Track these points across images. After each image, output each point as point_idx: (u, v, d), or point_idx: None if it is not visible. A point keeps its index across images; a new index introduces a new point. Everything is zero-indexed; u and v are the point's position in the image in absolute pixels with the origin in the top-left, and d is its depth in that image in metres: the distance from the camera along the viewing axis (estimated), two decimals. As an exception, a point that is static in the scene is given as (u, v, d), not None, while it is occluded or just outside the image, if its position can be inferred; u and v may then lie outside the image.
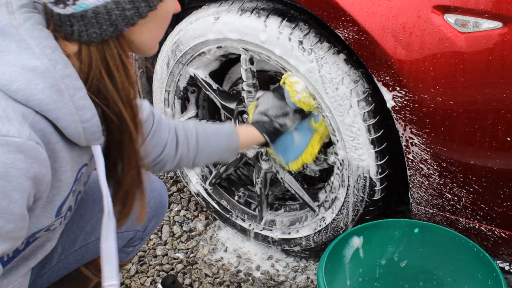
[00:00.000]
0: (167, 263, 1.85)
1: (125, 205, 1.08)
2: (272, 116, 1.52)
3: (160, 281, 1.72)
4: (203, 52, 1.65)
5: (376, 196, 1.53)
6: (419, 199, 1.44)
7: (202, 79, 1.73)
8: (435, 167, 1.35)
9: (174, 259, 1.87)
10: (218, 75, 1.82)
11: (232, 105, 1.72)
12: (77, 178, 1.01)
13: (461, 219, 1.41)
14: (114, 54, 0.90)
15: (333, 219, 1.64)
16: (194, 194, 1.99)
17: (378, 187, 1.51)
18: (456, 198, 1.37)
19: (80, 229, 1.31)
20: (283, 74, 1.63)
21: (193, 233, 1.97)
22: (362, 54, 1.32)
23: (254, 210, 1.87)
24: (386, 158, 1.47)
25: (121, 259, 1.45)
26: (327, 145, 1.64)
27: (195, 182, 1.95)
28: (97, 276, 1.45)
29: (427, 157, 1.34)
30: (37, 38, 0.87)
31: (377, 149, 1.45)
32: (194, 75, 1.73)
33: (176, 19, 1.90)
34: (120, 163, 1.03)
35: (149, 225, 1.42)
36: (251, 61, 1.59)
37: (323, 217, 1.67)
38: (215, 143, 1.41)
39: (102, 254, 1.06)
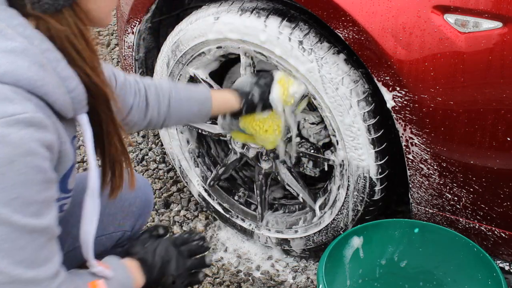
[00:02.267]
0: (167, 263, 1.85)
1: (115, 174, 1.09)
2: (253, 91, 1.48)
3: (160, 281, 1.72)
4: (203, 52, 1.65)
5: (376, 196, 1.53)
6: (419, 199, 1.44)
7: (202, 79, 1.73)
8: (435, 167, 1.35)
9: (174, 259, 1.87)
10: (218, 75, 1.82)
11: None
12: (74, 149, 1.02)
13: (461, 219, 1.41)
14: (70, 23, 0.92)
15: (333, 219, 1.64)
16: (197, 197, 1.99)
17: (378, 187, 1.51)
18: (456, 198, 1.37)
19: (67, 234, 1.31)
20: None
21: (193, 233, 1.97)
22: (362, 54, 1.32)
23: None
24: (386, 158, 1.47)
25: None
26: (327, 145, 1.65)
27: (196, 184, 1.95)
28: None
29: (427, 157, 1.34)
30: (5, 19, 0.87)
31: (377, 149, 1.45)
32: (194, 75, 1.73)
33: (176, 19, 1.90)
34: (101, 133, 1.04)
35: (136, 224, 1.42)
36: (252, 61, 1.59)
37: (322, 217, 1.67)
38: (187, 108, 1.39)
39: (81, 235, 1.07)
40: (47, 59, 0.90)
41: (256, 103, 1.47)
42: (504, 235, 1.37)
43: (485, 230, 1.39)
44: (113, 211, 1.36)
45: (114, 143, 1.06)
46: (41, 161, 0.87)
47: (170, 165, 2.28)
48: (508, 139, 1.21)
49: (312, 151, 1.62)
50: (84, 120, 1.00)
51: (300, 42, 1.43)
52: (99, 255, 1.24)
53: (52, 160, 0.92)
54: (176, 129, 1.89)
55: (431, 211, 1.45)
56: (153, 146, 2.41)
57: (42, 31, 0.91)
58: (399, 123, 1.33)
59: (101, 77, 0.99)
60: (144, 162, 2.32)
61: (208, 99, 1.41)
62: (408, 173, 1.41)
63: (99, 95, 1.00)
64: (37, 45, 0.89)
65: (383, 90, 1.32)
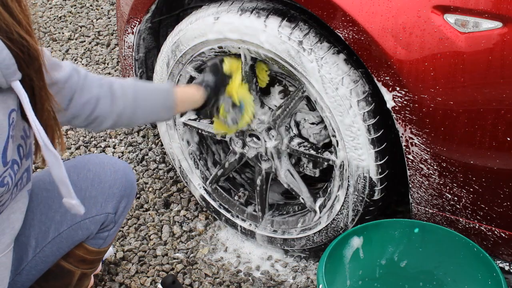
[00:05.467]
0: (167, 263, 1.85)
1: (52, 137, 1.11)
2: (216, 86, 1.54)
3: (160, 281, 1.72)
4: (203, 52, 1.65)
5: (376, 196, 1.53)
6: (419, 199, 1.44)
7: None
8: (435, 167, 1.35)
9: (174, 259, 1.87)
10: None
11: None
12: (10, 123, 1.02)
13: (461, 219, 1.41)
14: None
15: (333, 219, 1.64)
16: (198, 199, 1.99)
17: (378, 187, 1.51)
18: (456, 198, 1.37)
19: (50, 220, 1.33)
20: (283, 74, 1.63)
21: (193, 233, 1.97)
22: (362, 54, 1.32)
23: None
24: (386, 158, 1.47)
25: (98, 245, 1.46)
26: (326, 145, 1.65)
27: (197, 185, 1.95)
28: (79, 267, 1.46)
29: (427, 157, 1.34)
30: None
31: (377, 149, 1.45)
32: (194, 75, 1.73)
33: (176, 19, 1.90)
34: (33, 99, 1.05)
35: (120, 207, 1.43)
36: (252, 61, 1.59)
37: (322, 217, 1.67)
38: (153, 99, 1.40)
39: (55, 180, 1.10)
40: None
41: (217, 92, 1.53)
42: (504, 235, 1.37)
43: (485, 230, 1.39)
44: (94, 193, 1.37)
45: (46, 108, 1.07)
46: None
47: (170, 165, 2.28)
48: (508, 139, 1.21)
49: (312, 151, 1.62)
50: (18, 87, 1.00)
51: (300, 42, 1.43)
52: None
53: None
54: (176, 130, 1.89)
55: (431, 211, 1.45)
56: (153, 146, 2.41)
57: None
58: (399, 123, 1.33)
59: (35, 40, 0.99)
60: (144, 162, 2.32)
61: (170, 90, 1.43)
62: (408, 173, 1.41)
63: (34, 58, 1.00)
64: None
65: (383, 90, 1.32)
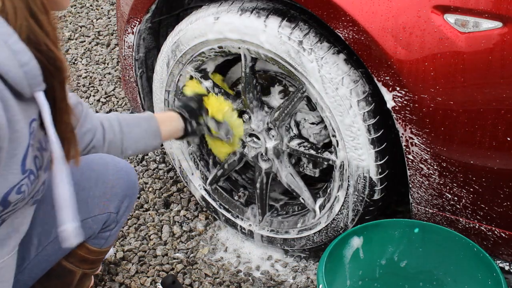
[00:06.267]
0: (167, 263, 1.85)
1: (63, 149, 1.11)
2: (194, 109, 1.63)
3: (160, 281, 1.72)
4: (203, 52, 1.65)
5: (376, 196, 1.53)
6: (419, 199, 1.44)
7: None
8: (435, 167, 1.35)
9: (174, 259, 1.87)
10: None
11: (232, 105, 1.72)
12: (31, 132, 1.03)
13: (461, 219, 1.41)
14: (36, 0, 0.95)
15: (333, 219, 1.64)
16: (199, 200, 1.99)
17: (378, 187, 1.51)
18: (456, 198, 1.37)
19: (53, 218, 1.33)
20: (283, 74, 1.63)
21: (193, 233, 1.97)
22: (362, 54, 1.32)
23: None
24: (386, 158, 1.47)
25: (100, 245, 1.46)
26: (326, 145, 1.65)
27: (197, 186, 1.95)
28: (81, 267, 1.47)
29: (427, 157, 1.34)
30: None
31: (377, 149, 1.45)
32: (194, 75, 1.73)
33: (176, 19, 1.90)
34: (53, 110, 1.06)
35: (122, 206, 1.43)
36: (252, 61, 1.59)
37: (322, 217, 1.67)
38: (137, 127, 1.48)
39: (56, 200, 1.08)
40: None
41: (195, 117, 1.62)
42: (504, 235, 1.37)
43: (485, 230, 1.39)
44: (97, 193, 1.38)
45: (65, 120, 1.09)
46: None
47: (170, 165, 2.28)
48: (508, 139, 1.21)
49: (312, 151, 1.62)
50: (41, 98, 1.01)
51: (300, 42, 1.43)
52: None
53: (0, 136, 0.92)
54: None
55: (431, 211, 1.45)
56: (153, 146, 2.41)
57: (7, 9, 0.92)
58: (399, 123, 1.33)
59: (61, 52, 1.01)
60: (144, 162, 2.32)
61: (152, 117, 1.53)
62: (408, 173, 1.41)
63: (58, 70, 1.01)
64: None
65: (383, 90, 1.32)
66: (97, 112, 2.65)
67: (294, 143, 1.64)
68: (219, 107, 1.67)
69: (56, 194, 1.08)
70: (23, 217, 1.20)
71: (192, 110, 1.62)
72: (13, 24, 0.93)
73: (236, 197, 1.91)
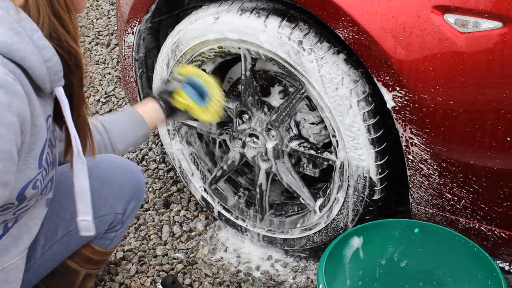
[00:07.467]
0: (167, 263, 1.85)
1: (80, 142, 1.14)
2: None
3: (160, 281, 1.72)
4: (203, 52, 1.65)
5: (376, 196, 1.53)
6: (419, 199, 1.44)
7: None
8: (435, 167, 1.35)
9: (174, 259, 1.87)
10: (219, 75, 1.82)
11: (232, 105, 1.72)
12: (48, 128, 1.05)
13: (461, 219, 1.41)
14: None
15: (333, 219, 1.64)
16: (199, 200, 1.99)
17: (378, 187, 1.51)
18: (456, 198, 1.37)
19: (60, 218, 1.34)
20: (283, 74, 1.63)
21: (193, 233, 1.97)
22: (362, 54, 1.32)
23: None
24: (386, 158, 1.47)
25: (105, 246, 1.46)
26: (326, 145, 1.65)
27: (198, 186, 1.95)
28: (85, 267, 1.47)
29: (427, 157, 1.34)
30: None
31: (377, 149, 1.45)
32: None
33: (176, 19, 1.90)
34: (71, 104, 1.08)
35: (128, 208, 1.44)
36: (252, 61, 1.59)
37: (322, 217, 1.67)
38: (119, 121, 1.46)
39: (76, 192, 1.12)
40: (22, 27, 0.93)
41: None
42: (504, 235, 1.37)
43: (485, 230, 1.39)
44: (104, 193, 1.38)
45: (81, 115, 1.12)
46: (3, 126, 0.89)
47: (170, 165, 2.28)
48: (508, 139, 1.21)
49: (312, 151, 1.62)
50: (60, 93, 1.04)
51: (300, 42, 1.43)
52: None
53: (23, 131, 0.94)
54: (176, 130, 1.89)
55: (431, 211, 1.45)
56: (153, 146, 2.41)
57: (30, 6, 0.95)
58: (399, 123, 1.33)
59: (81, 49, 1.04)
60: (144, 162, 2.32)
61: (130, 108, 1.50)
62: (408, 173, 1.41)
63: (78, 67, 1.04)
64: (13, 15, 0.92)
65: (383, 90, 1.32)
66: (97, 112, 2.65)
67: (294, 143, 1.64)
68: (190, 69, 1.57)
69: (76, 186, 1.11)
70: (38, 219, 1.21)
71: (162, 89, 1.54)
72: (35, 20, 0.96)
73: (236, 197, 1.91)
